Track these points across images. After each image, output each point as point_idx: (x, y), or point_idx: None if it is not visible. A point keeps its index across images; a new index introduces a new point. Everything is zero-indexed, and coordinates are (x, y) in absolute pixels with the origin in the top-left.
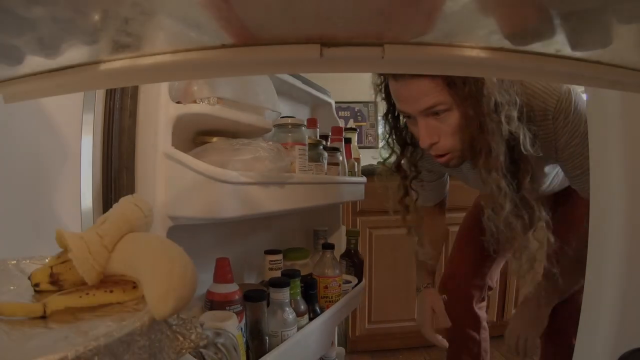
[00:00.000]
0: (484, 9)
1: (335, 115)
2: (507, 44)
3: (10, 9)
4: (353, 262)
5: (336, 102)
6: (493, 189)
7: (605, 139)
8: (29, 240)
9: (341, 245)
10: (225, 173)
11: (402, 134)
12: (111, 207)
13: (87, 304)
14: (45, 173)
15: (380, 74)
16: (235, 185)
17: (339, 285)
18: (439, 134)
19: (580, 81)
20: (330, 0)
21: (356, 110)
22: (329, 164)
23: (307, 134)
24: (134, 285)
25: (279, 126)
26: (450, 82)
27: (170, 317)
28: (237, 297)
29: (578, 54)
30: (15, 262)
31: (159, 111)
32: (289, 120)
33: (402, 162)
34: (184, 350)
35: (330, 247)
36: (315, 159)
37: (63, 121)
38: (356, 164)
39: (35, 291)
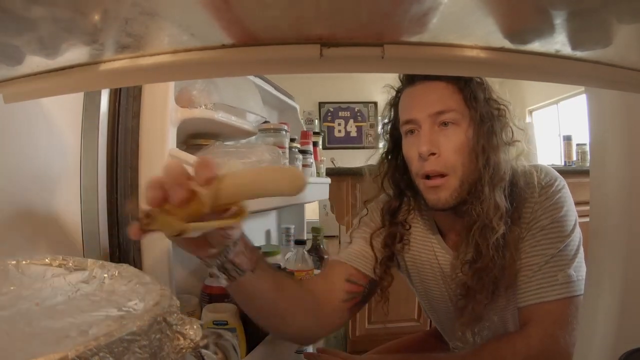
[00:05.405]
0: (484, 8)
1: (300, 119)
2: (507, 43)
3: (10, 9)
4: (319, 257)
5: (336, 103)
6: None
7: (605, 139)
8: (29, 241)
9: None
10: None
11: (401, 176)
12: (116, 204)
13: (218, 226)
14: (45, 173)
15: (395, 95)
16: None
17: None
18: (440, 147)
19: (580, 81)
20: (330, 0)
21: (356, 110)
22: (302, 165)
23: (287, 138)
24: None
25: (263, 130)
26: (467, 96)
27: (178, 309)
28: None
29: (578, 54)
30: (15, 262)
31: (167, 114)
32: (271, 125)
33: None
34: (184, 350)
35: (303, 243)
36: (291, 161)
37: (63, 121)
38: (322, 165)
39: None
